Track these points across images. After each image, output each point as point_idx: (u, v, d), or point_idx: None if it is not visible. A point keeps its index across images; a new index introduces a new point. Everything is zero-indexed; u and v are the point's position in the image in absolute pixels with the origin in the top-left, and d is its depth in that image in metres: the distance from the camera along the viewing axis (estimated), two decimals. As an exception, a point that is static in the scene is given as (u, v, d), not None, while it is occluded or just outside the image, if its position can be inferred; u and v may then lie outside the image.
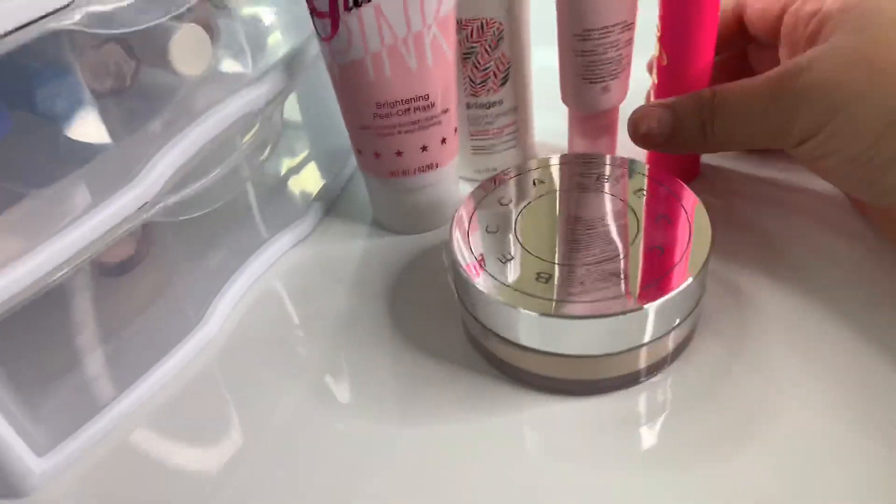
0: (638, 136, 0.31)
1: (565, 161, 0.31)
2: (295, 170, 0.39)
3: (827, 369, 0.27)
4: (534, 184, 0.31)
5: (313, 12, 0.29)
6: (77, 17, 0.24)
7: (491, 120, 0.36)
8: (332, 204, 0.39)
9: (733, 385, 0.27)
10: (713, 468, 0.24)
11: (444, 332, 0.30)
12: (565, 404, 0.27)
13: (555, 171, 0.31)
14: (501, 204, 0.30)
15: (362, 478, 0.25)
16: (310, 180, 0.39)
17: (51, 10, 0.23)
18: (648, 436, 0.26)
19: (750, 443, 0.25)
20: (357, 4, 0.29)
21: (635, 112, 0.31)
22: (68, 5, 0.23)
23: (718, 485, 0.24)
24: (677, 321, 0.26)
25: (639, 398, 0.27)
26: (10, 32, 0.22)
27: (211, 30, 0.32)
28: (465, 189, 0.36)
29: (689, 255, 0.26)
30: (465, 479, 0.25)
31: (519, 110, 0.36)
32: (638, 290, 0.25)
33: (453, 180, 0.35)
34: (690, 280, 0.25)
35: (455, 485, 0.25)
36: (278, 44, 0.36)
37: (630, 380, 0.27)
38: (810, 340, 0.28)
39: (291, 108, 0.39)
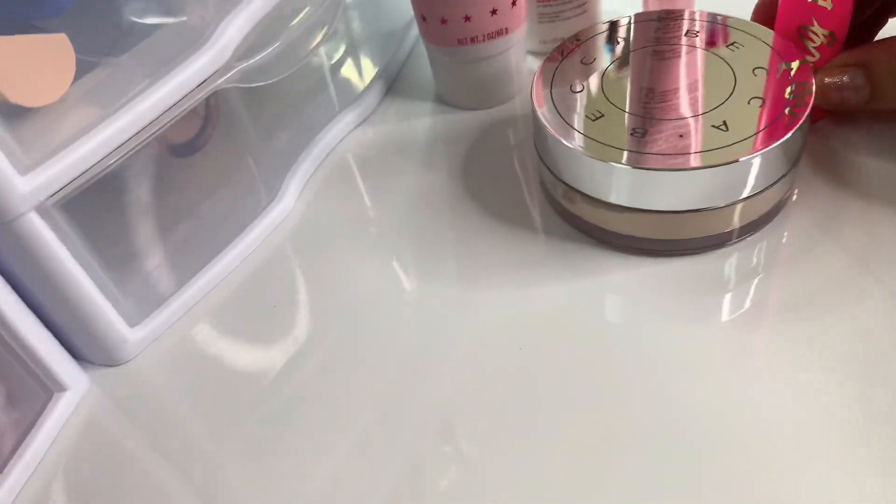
0: (828, 104, 0.27)
1: (646, 18, 0.30)
2: (355, 46, 0.38)
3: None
4: (616, 42, 0.29)
5: None
6: None
7: (559, -17, 0.34)
8: (392, 81, 0.37)
9: (820, 255, 0.26)
10: (799, 329, 0.23)
11: (520, 201, 0.29)
12: (653, 266, 0.26)
13: (638, 29, 0.30)
14: (584, 63, 0.28)
15: (445, 343, 0.25)
16: (370, 57, 0.38)
17: None
18: (737, 298, 0.25)
19: (836, 309, 0.24)
20: None
21: (822, 73, 0.27)
22: None
23: (803, 345, 0.23)
24: (777, 177, 0.25)
25: (730, 259, 0.26)
26: None
27: None
28: (532, 63, 0.35)
29: (791, 107, 0.25)
30: (549, 343, 0.25)
31: (588, -28, 0.34)
32: (738, 142, 0.24)
33: (522, 50, 0.34)
34: (792, 133, 0.24)
35: (538, 349, 0.24)
36: None
37: (722, 240, 0.26)
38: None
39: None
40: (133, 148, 0.24)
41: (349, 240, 0.30)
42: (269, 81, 0.29)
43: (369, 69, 0.37)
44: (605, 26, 0.30)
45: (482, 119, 0.34)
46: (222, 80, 0.27)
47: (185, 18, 0.26)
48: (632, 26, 0.30)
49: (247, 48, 0.28)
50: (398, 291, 0.27)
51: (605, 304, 0.26)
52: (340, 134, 0.34)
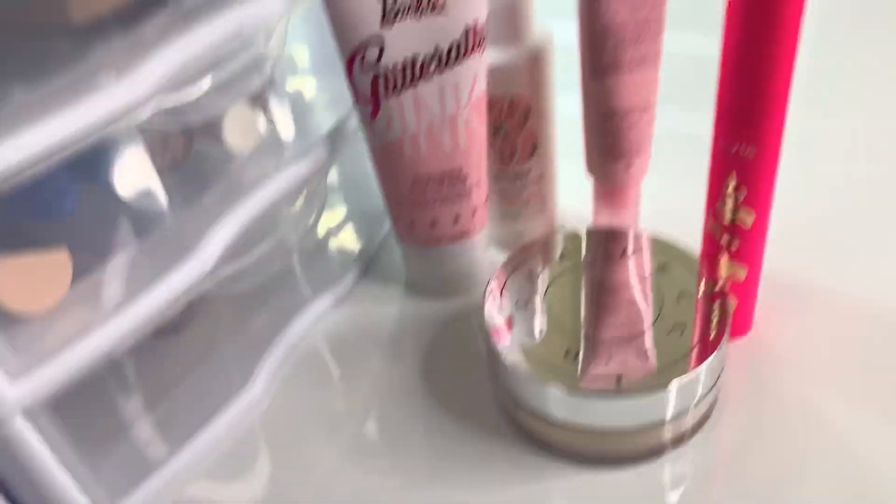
0: None
1: (591, 234, 0.33)
2: (334, 232, 0.41)
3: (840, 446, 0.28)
4: (561, 257, 0.33)
5: (356, 97, 0.32)
6: (148, 112, 0.26)
7: (518, 190, 0.38)
8: (368, 265, 0.41)
9: (753, 458, 0.28)
10: None
11: (473, 397, 0.32)
12: (590, 476, 0.28)
13: (581, 245, 0.33)
14: (530, 277, 0.32)
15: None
16: (347, 242, 0.41)
17: (124, 108, 0.25)
18: None
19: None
20: (397, 90, 0.31)
21: None
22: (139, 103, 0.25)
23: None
24: (697, 398, 0.27)
25: (662, 471, 0.28)
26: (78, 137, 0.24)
27: (262, 107, 0.35)
28: (495, 255, 0.38)
29: (710, 333, 0.28)
30: None
31: (545, 180, 0.38)
32: (660, 369, 0.27)
33: (483, 248, 0.37)
34: (710, 359, 0.27)
35: None
36: (323, 118, 0.38)
37: (654, 453, 0.28)
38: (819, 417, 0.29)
39: (331, 173, 0.41)
40: (121, 348, 0.27)
41: (314, 426, 0.32)
42: (250, 285, 0.32)
43: (346, 255, 0.40)
44: (556, 238, 0.33)
45: (449, 307, 0.37)
46: (206, 284, 0.30)
47: (173, 228, 0.30)
48: (578, 241, 0.33)
49: (231, 253, 0.31)
50: (358, 480, 0.29)
51: None
52: (315, 317, 0.37)
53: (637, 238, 0.33)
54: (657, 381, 0.26)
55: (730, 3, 0.25)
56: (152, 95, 0.25)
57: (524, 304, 0.30)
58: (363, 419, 0.32)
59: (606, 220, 0.38)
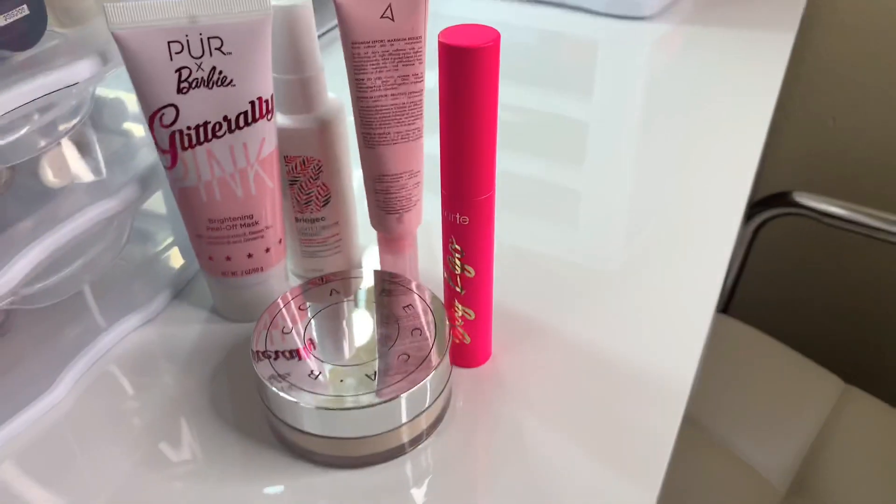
0: None
1: (359, 276, 0.40)
2: (153, 256, 0.46)
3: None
4: (331, 293, 0.39)
5: (158, 148, 0.37)
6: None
7: (316, 232, 0.44)
8: (182, 289, 0.46)
9: (470, 453, 0.35)
10: None
11: (247, 410, 0.38)
12: (341, 475, 0.35)
13: (351, 284, 0.39)
14: (301, 308, 0.38)
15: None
16: (164, 267, 0.46)
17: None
18: (416, 496, 0.34)
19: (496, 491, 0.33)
20: (192, 146, 0.36)
21: None
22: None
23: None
24: (424, 408, 0.34)
25: (405, 466, 0.35)
26: None
27: (82, 146, 0.40)
28: (295, 285, 0.44)
29: (433, 360, 0.35)
30: None
31: (340, 225, 0.44)
32: (386, 387, 0.33)
33: (281, 279, 0.43)
34: (425, 381, 0.34)
35: None
36: (143, 156, 0.43)
37: (395, 452, 0.35)
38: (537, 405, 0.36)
39: (158, 203, 0.47)
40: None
41: (110, 428, 0.37)
42: (55, 301, 0.37)
43: (159, 279, 0.45)
44: (330, 276, 0.40)
45: (246, 330, 0.43)
46: (5, 302, 0.34)
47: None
48: (347, 281, 0.40)
49: (36, 275, 0.36)
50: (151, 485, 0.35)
51: None
52: (124, 333, 0.42)
53: (401, 282, 0.39)
54: (382, 397, 0.33)
55: (441, 111, 0.32)
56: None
57: (289, 331, 0.36)
58: (151, 425, 0.37)
59: (389, 263, 0.44)
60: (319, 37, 0.40)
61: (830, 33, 1.01)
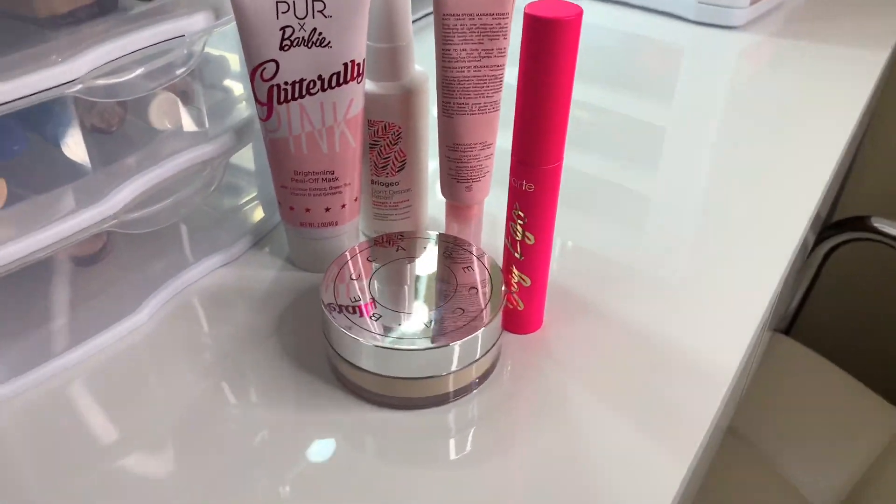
0: None
1: (424, 237, 0.42)
2: (239, 207, 0.50)
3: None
4: (397, 249, 0.42)
5: (256, 100, 0.40)
6: (80, 87, 0.35)
7: (389, 195, 0.47)
8: (262, 238, 0.49)
9: (513, 405, 0.37)
10: (505, 469, 0.34)
11: (310, 348, 0.41)
12: (389, 414, 0.37)
13: (416, 243, 0.42)
14: (369, 260, 0.41)
15: (247, 465, 0.36)
16: (247, 217, 0.50)
17: (62, 82, 0.34)
18: (456, 443, 0.36)
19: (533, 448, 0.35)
20: (287, 100, 0.40)
21: None
22: (75, 81, 0.34)
23: (508, 479, 0.34)
24: (474, 359, 0.37)
25: (449, 414, 0.37)
26: (26, 97, 0.33)
27: (187, 96, 0.44)
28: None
29: (485, 317, 0.37)
30: (315, 467, 0.35)
31: (412, 192, 0.47)
32: (440, 335, 0.36)
33: (352, 235, 0.46)
34: (477, 333, 0.36)
35: (308, 472, 0.35)
36: (239, 111, 0.47)
37: (442, 399, 0.37)
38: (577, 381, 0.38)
39: (247, 158, 0.50)
40: (34, 259, 0.35)
41: (183, 355, 0.41)
42: (151, 229, 0.41)
43: (243, 225, 0.49)
44: (399, 236, 0.42)
45: (316, 280, 0.46)
46: (111, 224, 0.38)
47: (95, 177, 0.38)
48: (414, 241, 0.42)
49: (137, 203, 0.40)
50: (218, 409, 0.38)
51: (356, 443, 0.36)
52: (205, 271, 0.46)
53: (463, 246, 0.42)
54: (438, 343, 0.35)
55: (519, 79, 0.34)
56: (86, 78, 0.34)
57: (356, 278, 0.39)
58: (223, 354, 0.41)
59: (455, 231, 0.47)
60: (417, 20, 0.43)
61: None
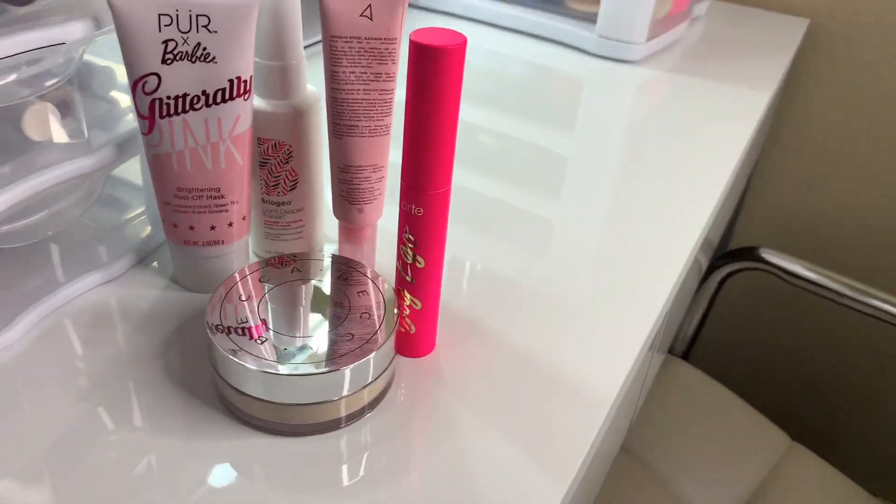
0: None
1: (319, 259, 0.42)
2: (123, 223, 0.48)
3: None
4: (292, 270, 0.41)
5: (137, 113, 0.39)
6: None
7: (280, 215, 0.46)
8: (145, 257, 0.47)
9: (402, 432, 0.36)
10: (398, 494, 0.34)
11: (195, 373, 0.39)
12: (278, 441, 0.36)
13: (311, 265, 0.41)
14: (260, 281, 0.40)
15: (128, 495, 0.34)
16: (131, 234, 0.48)
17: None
18: (348, 469, 0.35)
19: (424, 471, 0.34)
20: (169, 115, 0.38)
21: None
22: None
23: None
24: (365, 383, 0.36)
25: (341, 440, 0.37)
26: None
27: (66, 106, 0.42)
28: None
29: (378, 340, 0.36)
30: (201, 496, 0.33)
31: (305, 212, 0.46)
32: (329, 359, 0.35)
33: (242, 256, 0.45)
34: (368, 357, 0.35)
35: (193, 502, 0.33)
36: (125, 124, 0.45)
37: (333, 425, 0.37)
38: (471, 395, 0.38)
39: (135, 172, 0.49)
40: None
41: (52, 376, 0.38)
42: (21, 244, 0.38)
43: (124, 242, 0.47)
44: (294, 257, 0.41)
45: (201, 301, 0.44)
46: (-29, 238, 0.36)
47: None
48: (307, 262, 0.41)
49: (7, 216, 0.37)
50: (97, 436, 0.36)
51: (244, 472, 0.35)
52: (83, 289, 0.44)
53: (358, 268, 0.41)
54: (327, 367, 0.35)
55: (406, 105, 0.34)
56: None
57: (245, 299, 0.38)
58: (98, 380, 0.39)
59: (348, 252, 0.46)
60: (314, 44, 0.42)
61: (812, 101, 1.05)
